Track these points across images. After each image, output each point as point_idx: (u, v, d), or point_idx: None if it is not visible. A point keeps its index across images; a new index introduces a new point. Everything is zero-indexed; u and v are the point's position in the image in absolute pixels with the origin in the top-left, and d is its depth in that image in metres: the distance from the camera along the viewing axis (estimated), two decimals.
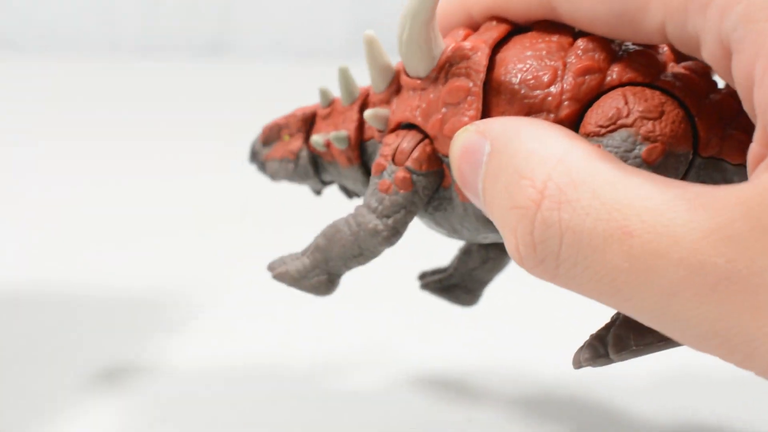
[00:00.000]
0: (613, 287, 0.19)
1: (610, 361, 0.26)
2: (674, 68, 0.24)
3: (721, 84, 0.24)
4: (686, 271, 0.18)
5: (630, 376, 0.34)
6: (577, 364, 0.26)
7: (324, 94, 0.28)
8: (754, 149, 0.20)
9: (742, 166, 0.23)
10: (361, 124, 0.27)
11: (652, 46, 0.24)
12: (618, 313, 0.27)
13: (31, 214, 0.56)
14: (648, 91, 0.23)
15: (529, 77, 0.24)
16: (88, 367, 0.35)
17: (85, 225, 0.55)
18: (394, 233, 0.25)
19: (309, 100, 0.76)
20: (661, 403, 0.33)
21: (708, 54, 0.21)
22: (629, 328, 0.26)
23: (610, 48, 0.24)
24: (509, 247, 0.21)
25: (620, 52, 0.24)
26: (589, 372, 0.34)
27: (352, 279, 0.37)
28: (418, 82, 0.25)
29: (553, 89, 0.23)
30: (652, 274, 0.19)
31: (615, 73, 0.24)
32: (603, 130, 0.23)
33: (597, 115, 0.23)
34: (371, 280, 0.28)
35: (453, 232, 0.26)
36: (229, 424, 0.31)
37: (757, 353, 0.19)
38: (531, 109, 0.24)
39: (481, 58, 0.24)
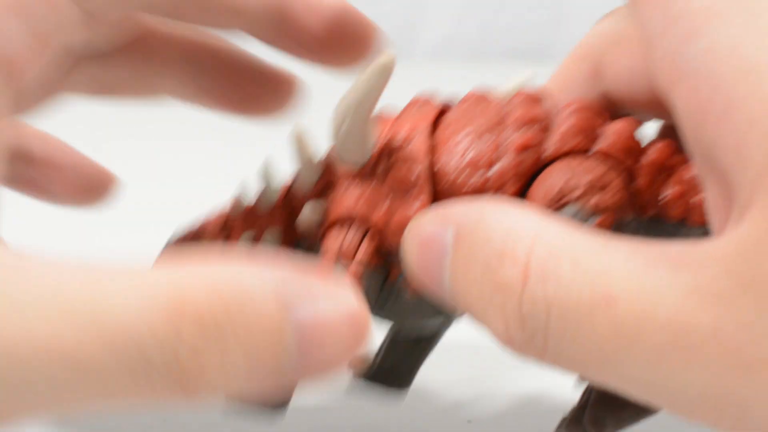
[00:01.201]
0: (600, 358, 0.19)
1: None
2: (608, 130, 0.24)
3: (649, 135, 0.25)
4: (671, 332, 0.18)
5: None
6: None
7: (237, 199, 0.26)
8: (716, 204, 0.19)
9: (681, 223, 0.24)
10: (291, 221, 0.25)
11: (583, 107, 0.24)
12: (589, 392, 0.26)
13: (31, 214, 0.56)
14: (589, 161, 0.23)
15: (471, 159, 0.23)
16: None
17: (86, 225, 0.55)
18: None
19: (309, 99, 0.76)
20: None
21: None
22: (605, 405, 0.26)
23: (542, 117, 0.24)
24: (496, 330, 0.20)
25: (554, 118, 0.24)
26: None
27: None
28: (355, 173, 0.24)
29: (496, 168, 0.23)
30: (637, 339, 0.18)
31: (553, 145, 0.24)
32: (552, 207, 0.23)
33: (543, 191, 0.23)
34: None
35: (396, 323, 0.26)
36: (230, 426, 0.31)
37: (747, 416, 0.18)
38: (476, 191, 0.23)
39: (420, 145, 0.24)
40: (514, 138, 0.23)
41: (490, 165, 0.23)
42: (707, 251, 0.18)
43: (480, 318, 0.20)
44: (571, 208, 0.23)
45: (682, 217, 0.24)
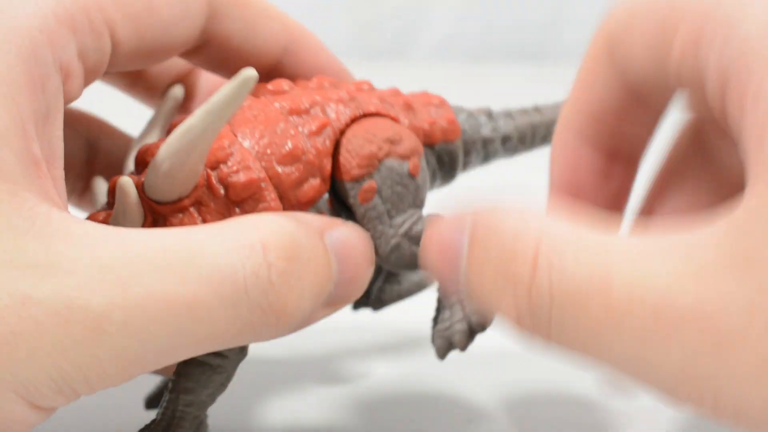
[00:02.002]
0: (595, 340, 0.20)
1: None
2: (359, 92, 0.28)
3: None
4: (657, 313, 0.19)
5: None
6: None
7: None
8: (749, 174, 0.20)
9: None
10: None
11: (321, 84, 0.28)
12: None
13: None
14: (378, 121, 0.27)
15: (284, 155, 0.25)
16: None
17: None
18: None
19: None
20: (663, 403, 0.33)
21: (711, 89, 0.21)
22: (388, 283, 0.32)
23: (314, 98, 0.26)
24: (509, 317, 0.22)
25: (324, 98, 0.27)
26: (592, 373, 0.34)
27: None
28: (185, 201, 0.24)
29: (311, 156, 0.25)
30: (627, 321, 0.19)
31: (336, 120, 0.26)
32: (369, 169, 0.26)
33: (352, 159, 0.26)
34: None
35: None
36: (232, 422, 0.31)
37: (721, 395, 0.19)
38: (300, 179, 0.25)
39: (241, 149, 0.25)
40: (309, 126, 0.26)
41: (302, 153, 0.25)
42: (701, 236, 0.19)
43: (494, 307, 0.22)
44: (388, 162, 0.26)
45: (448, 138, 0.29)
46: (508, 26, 0.98)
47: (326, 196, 0.26)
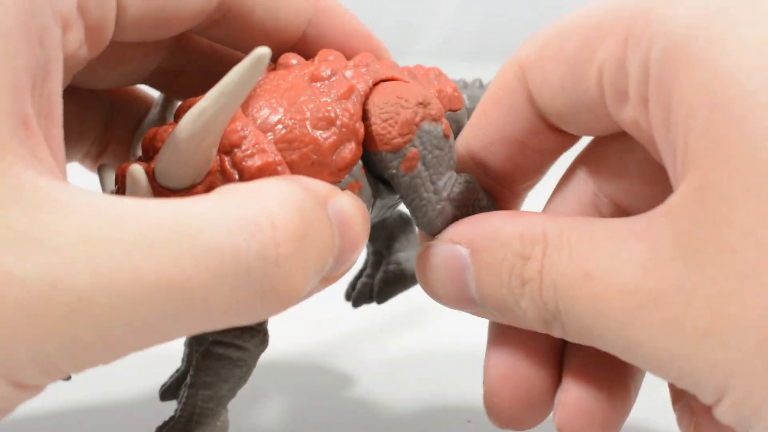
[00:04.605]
0: (585, 328, 0.22)
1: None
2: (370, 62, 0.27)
3: None
4: (626, 298, 0.20)
5: None
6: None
7: None
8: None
9: None
10: None
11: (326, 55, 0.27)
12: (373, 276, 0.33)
13: None
14: (402, 85, 0.26)
15: (319, 119, 0.24)
16: None
17: None
18: (267, 337, 0.26)
19: None
20: (663, 403, 0.33)
21: (633, 87, 0.22)
22: (387, 285, 0.32)
23: (332, 66, 0.26)
24: (534, 319, 0.23)
25: (340, 66, 0.26)
26: None
27: (350, 280, 0.36)
28: (198, 188, 0.23)
29: (345, 119, 0.25)
30: (607, 308, 0.21)
31: (360, 84, 0.25)
32: (410, 137, 0.25)
33: (392, 127, 0.25)
34: None
35: None
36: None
37: (685, 371, 0.20)
38: (338, 143, 0.24)
39: (255, 131, 0.24)
40: (336, 90, 0.25)
41: (335, 119, 0.25)
42: (656, 222, 0.21)
43: (511, 310, 0.23)
44: (425, 126, 0.25)
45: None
46: (507, 26, 0.98)
47: (360, 162, 0.25)
